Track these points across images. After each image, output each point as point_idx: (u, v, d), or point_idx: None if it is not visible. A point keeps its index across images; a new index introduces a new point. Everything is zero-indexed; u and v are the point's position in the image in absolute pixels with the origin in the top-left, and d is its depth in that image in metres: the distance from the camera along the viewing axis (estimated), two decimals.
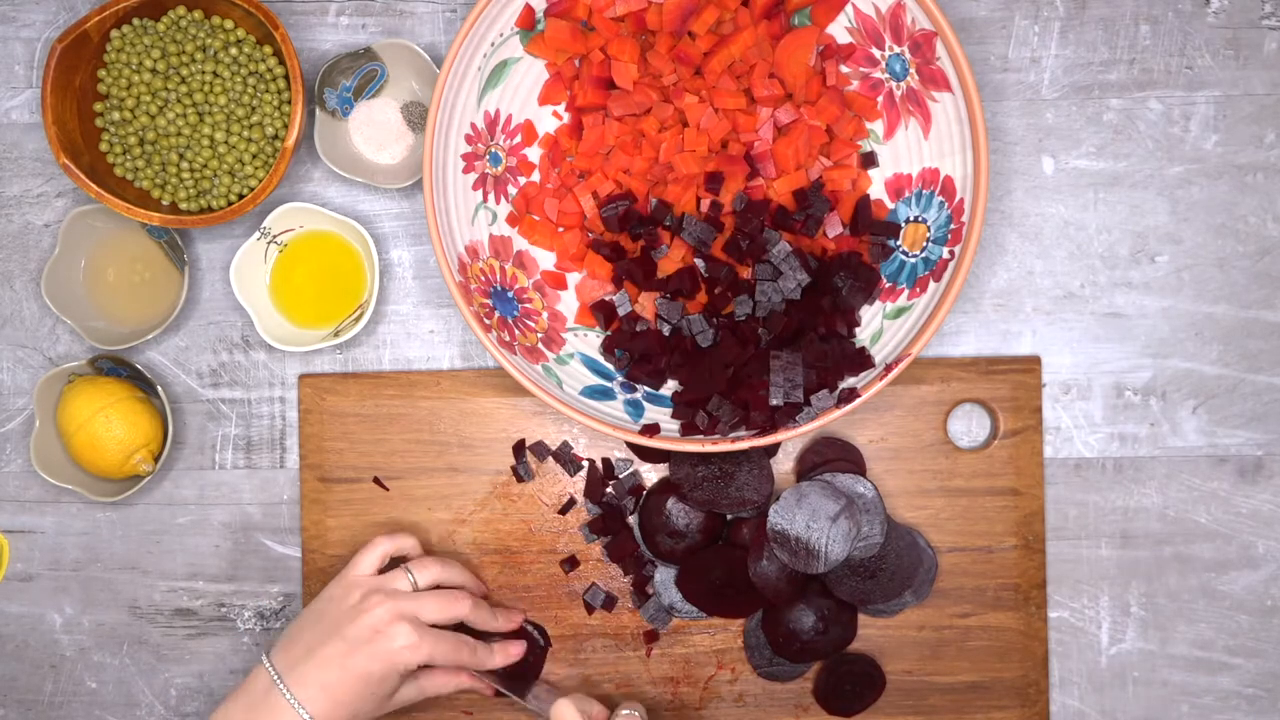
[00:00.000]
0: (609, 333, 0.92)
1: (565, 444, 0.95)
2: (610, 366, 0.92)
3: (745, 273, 0.91)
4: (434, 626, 0.88)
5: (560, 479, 0.96)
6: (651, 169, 0.91)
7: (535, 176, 0.93)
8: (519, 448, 0.95)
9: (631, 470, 0.95)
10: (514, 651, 0.92)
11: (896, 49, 0.88)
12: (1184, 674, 0.97)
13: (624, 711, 0.87)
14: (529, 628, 0.95)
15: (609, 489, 0.95)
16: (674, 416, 0.89)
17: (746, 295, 0.89)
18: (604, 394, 0.90)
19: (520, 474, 0.95)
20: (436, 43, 0.98)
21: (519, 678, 0.93)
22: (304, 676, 0.84)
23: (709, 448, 0.86)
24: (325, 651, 0.85)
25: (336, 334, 0.95)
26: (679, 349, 0.89)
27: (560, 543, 0.96)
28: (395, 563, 0.93)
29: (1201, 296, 0.97)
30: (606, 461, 0.95)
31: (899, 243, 0.90)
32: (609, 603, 0.95)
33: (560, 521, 0.96)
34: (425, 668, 0.90)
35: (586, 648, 0.96)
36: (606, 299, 0.91)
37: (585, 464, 0.96)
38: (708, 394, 0.87)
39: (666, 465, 0.95)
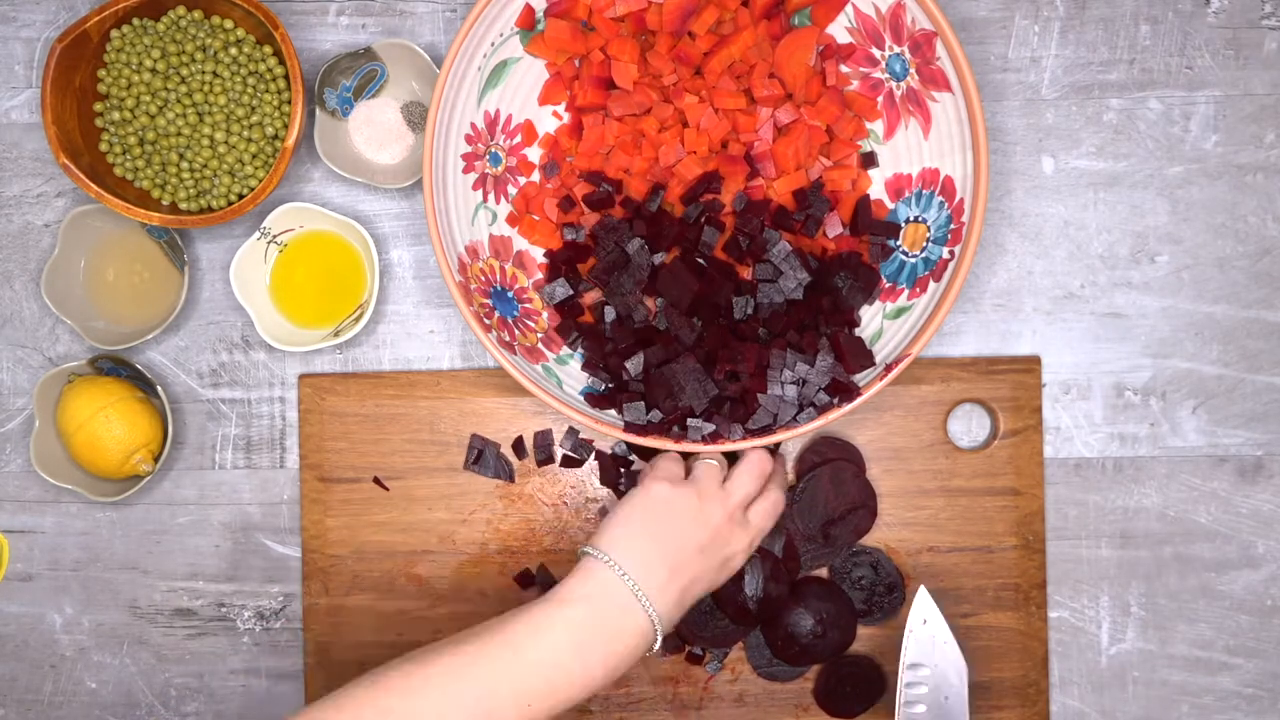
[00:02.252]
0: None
1: (571, 429, 0.95)
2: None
3: (745, 273, 0.91)
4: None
5: (560, 479, 0.96)
6: (651, 169, 0.91)
7: (535, 176, 0.93)
8: (519, 444, 0.95)
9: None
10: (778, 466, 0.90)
11: (896, 49, 0.88)
12: (1184, 674, 0.97)
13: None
14: None
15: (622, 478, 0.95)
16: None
17: (748, 295, 0.89)
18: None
19: (524, 457, 0.95)
20: (436, 43, 0.98)
21: None
22: (664, 591, 0.80)
23: (709, 448, 0.86)
24: (684, 563, 0.81)
25: (336, 334, 0.95)
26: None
27: (561, 543, 0.96)
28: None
29: (1201, 296, 0.97)
30: (615, 455, 0.95)
31: (899, 243, 0.90)
32: None
33: (560, 521, 0.96)
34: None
35: None
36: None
37: (594, 451, 0.96)
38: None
39: None
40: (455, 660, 0.76)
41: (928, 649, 0.90)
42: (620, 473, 0.95)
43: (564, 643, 0.77)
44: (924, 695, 0.90)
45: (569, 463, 0.96)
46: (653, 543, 0.81)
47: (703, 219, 0.90)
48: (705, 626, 0.93)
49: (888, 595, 0.95)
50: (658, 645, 0.81)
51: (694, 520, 0.82)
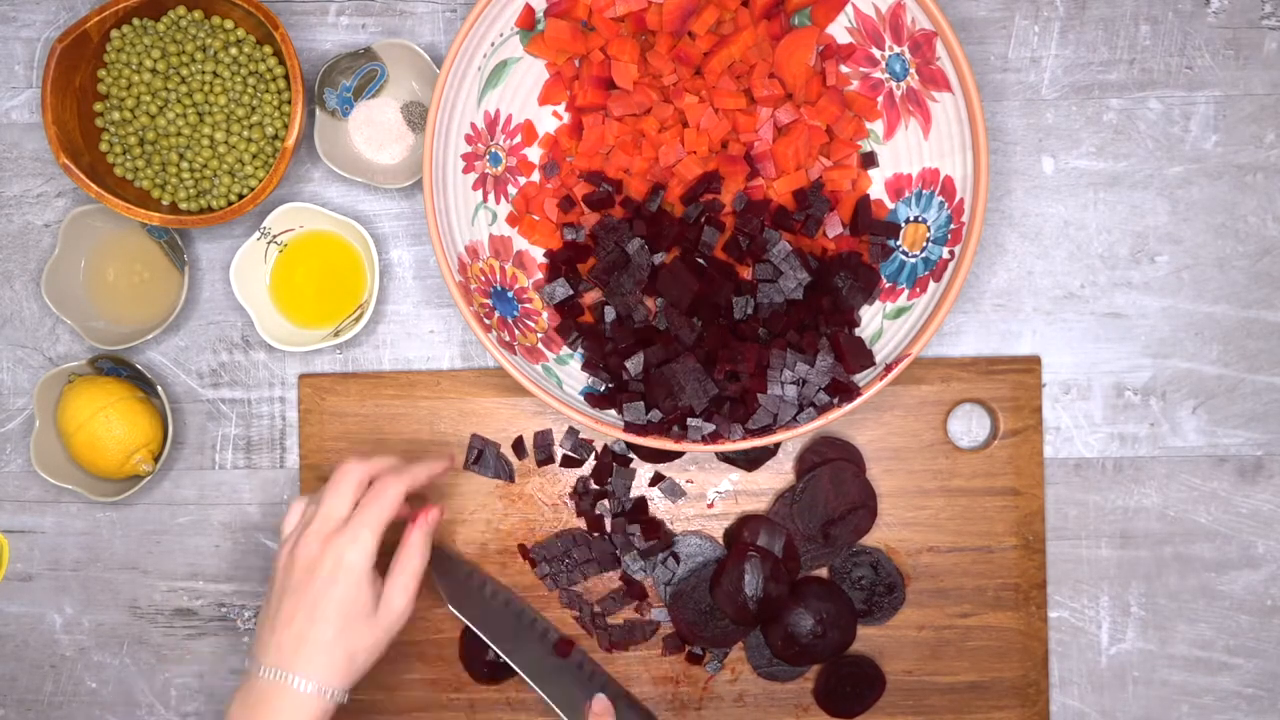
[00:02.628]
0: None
1: (571, 429, 0.95)
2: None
3: (745, 273, 0.91)
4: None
5: (560, 479, 0.96)
6: (651, 169, 0.91)
7: (535, 176, 0.93)
8: (519, 444, 0.95)
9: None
10: (445, 459, 0.88)
11: (896, 49, 0.88)
12: (1184, 674, 0.97)
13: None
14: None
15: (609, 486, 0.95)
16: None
17: (748, 295, 0.89)
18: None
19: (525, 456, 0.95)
20: (436, 43, 0.98)
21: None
22: (280, 648, 0.79)
23: (709, 448, 0.86)
24: (284, 613, 0.80)
25: (336, 334, 0.95)
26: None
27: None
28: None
29: (1201, 296, 0.97)
30: (609, 451, 0.96)
31: (899, 243, 0.90)
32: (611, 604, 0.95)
33: (560, 521, 0.96)
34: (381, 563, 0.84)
35: (586, 647, 0.96)
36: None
37: (595, 451, 0.96)
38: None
39: (669, 466, 0.96)
40: None
41: None
42: (611, 468, 0.95)
43: None
44: None
45: (569, 463, 0.96)
46: (266, 618, 0.82)
47: (703, 219, 0.90)
48: (705, 626, 0.93)
49: (888, 595, 0.95)
50: (329, 694, 0.79)
51: (286, 570, 0.82)
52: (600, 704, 0.89)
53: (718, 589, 0.91)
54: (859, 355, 0.86)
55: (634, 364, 0.88)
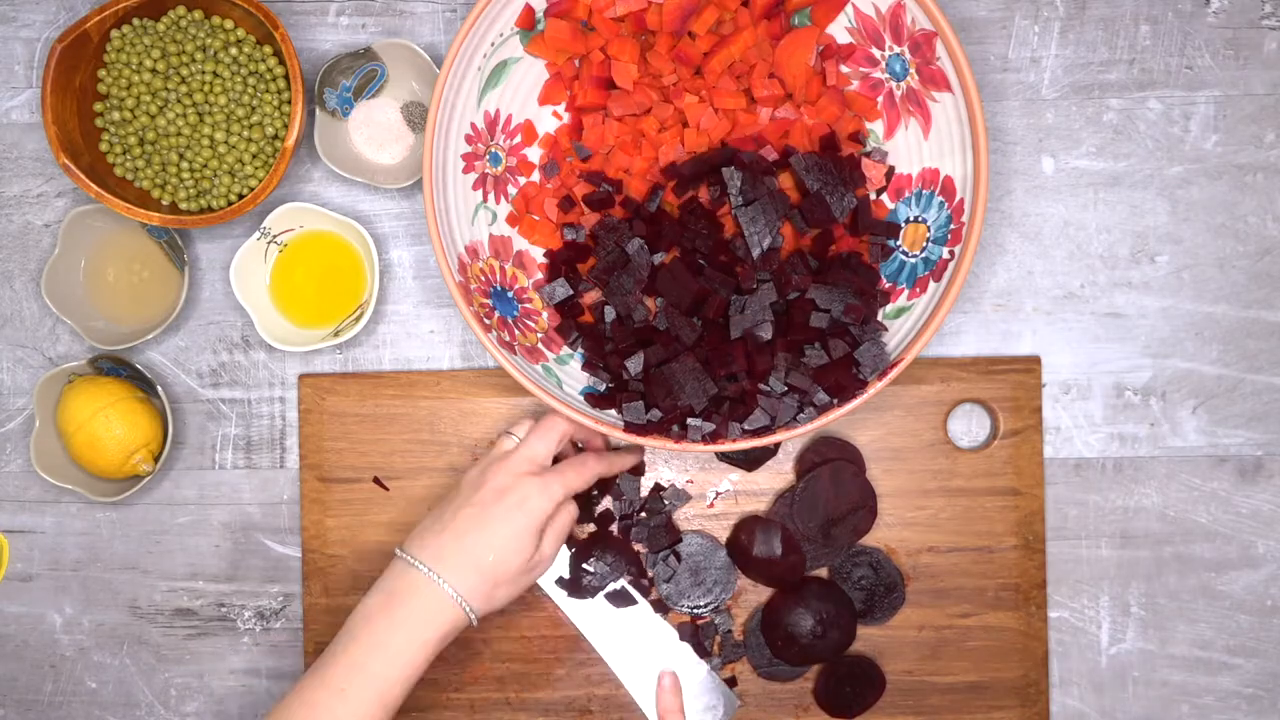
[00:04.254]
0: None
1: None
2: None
3: (746, 273, 0.91)
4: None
5: None
6: (651, 169, 0.91)
7: (535, 176, 0.93)
8: None
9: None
10: (637, 454, 0.94)
11: (896, 49, 0.88)
12: (1184, 674, 0.97)
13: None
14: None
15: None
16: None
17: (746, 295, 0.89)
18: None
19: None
20: (436, 43, 0.98)
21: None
22: (440, 550, 0.83)
23: (708, 448, 0.86)
24: (458, 522, 0.84)
25: (336, 334, 0.95)
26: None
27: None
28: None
29: (1201, 296, 0.97)
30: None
31: (899, 243, 0.90)
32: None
33: None
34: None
35: (585, 646, 0.96)
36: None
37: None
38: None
39: (671, 465, 0.96)
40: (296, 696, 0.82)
41: None
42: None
43: (371, 629, 0.82)
44: None
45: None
46: (434, 520, 0.85)
47: (702, 221, 0.90)
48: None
49: (887, 595, 0.95)
50: (467, 609, 0.83)
51: (473, 486, 0.86)
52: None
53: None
54: (860, 355, 0.86)
55: (634, 364, 0.88)
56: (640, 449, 0.95)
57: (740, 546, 0.94)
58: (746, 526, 0.94)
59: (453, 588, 0.82)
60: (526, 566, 0.85)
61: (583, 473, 0.88)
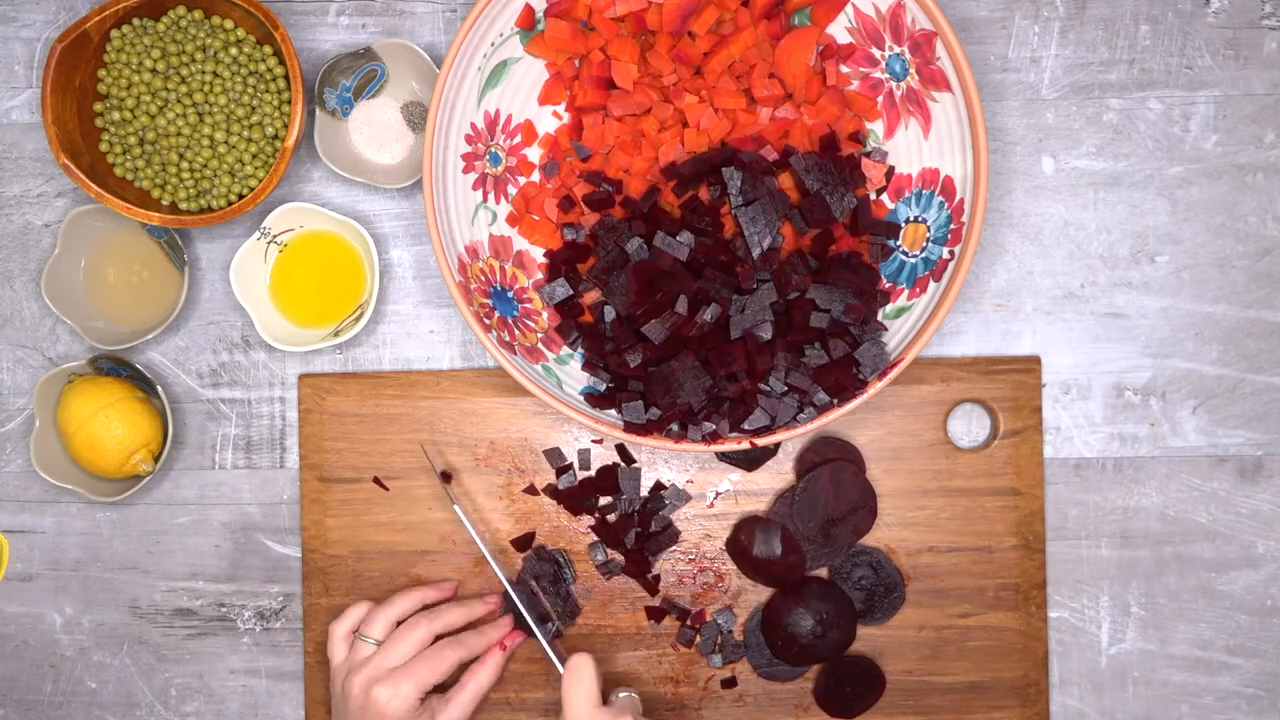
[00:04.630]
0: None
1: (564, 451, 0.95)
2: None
3: (746, 273, 0.91)
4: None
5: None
6: (651, 169, 0.91)
7: (535, 176, 0.93)
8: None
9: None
10: (506, 634, 0.93)
11: (896, 49, 0.88)
12: (1184, 674, 0.97)
13: (622, 694, 0.88)
14: (556, 557, 0.95)
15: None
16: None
17: (746, 296, 0.89)
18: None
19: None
20: (436, 43, 0.98)
21: (538, 617, 0.94)
22: None
23: (709, 448, 0.86)
24: None
25: (336, 334, 0.95)
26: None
27: (560, 543, 0.96)
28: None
29: (1201, 296, 0.97)
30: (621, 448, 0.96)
31: (899, 243, 0.90)
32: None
33: (561, 520, 0.96)
34: (439, 694, 0.91)
35: (585, 646, 0.96)
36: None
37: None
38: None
39: (671, 464, 0.96)
40: None
41: None
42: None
43: None
44: None
45: (595, 488, 0.96)
46: None
47: (703, 220, 0.90)
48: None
49: (887, 596, 0.95)
50: None
51: (341, 701, 0.90)
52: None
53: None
54: (860, 355, 0.86)
55: (634, 356, 0.87)
56: (505, 626, 0.94)
57: (740, 546, 0.94)
58: (746, 526, 0.94)
59: None
60: None
61: (438, 665, 0.88)
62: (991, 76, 0.97)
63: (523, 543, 0.95)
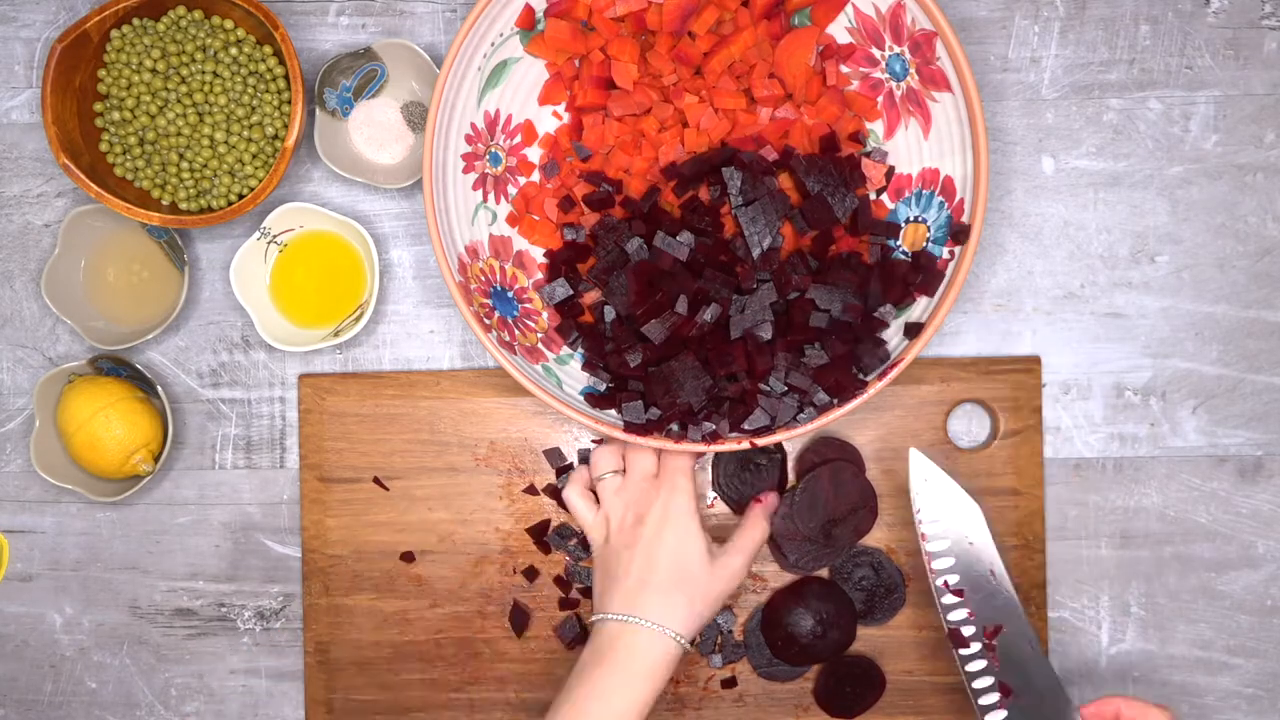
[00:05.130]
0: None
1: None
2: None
3: (746, 273, 0.91)
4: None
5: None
6: (651, 169, 0.91)
7: (535, 176, 0.93)
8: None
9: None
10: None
11: (896, 49, 0.88)
12: (1184, 674, 0.97)
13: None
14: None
15: None
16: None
17: (746, 296, 0.89)
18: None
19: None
20: (436, 43, 0.98)
21: None
22: (626, 595, 0.85)
23: (709, 448, 0.86)
24: (622, 566, 0.86)
25: (336, 334, 0.95)
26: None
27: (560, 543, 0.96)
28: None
29: (1201, 296, 0.97)
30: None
31: (899, 243, 0.90)
32: None
33: (560, 521, 0.96)
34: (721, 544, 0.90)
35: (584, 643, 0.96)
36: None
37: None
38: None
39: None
40: None
41: (936, 505, 0.89)
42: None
43: (621, 697, 0.84)
44: (949, 549, 0.88)
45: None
46: (606, 577, 0.88)
47: (703, 220, 0.90)
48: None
49: (888, 596, 0.95)
50: (683, 640, 0.85)
51: (617, 531, 0.89)
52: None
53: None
54: (859, 355, 0.86)
55: (634, 356, 0.87)
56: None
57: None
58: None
59: (648, 622, 0.84)
60: (713, 574, 0.87)
61: (682, 461, 0.88)
62: (991, 76, 0.97)
63: (539, 530, 0.95)
